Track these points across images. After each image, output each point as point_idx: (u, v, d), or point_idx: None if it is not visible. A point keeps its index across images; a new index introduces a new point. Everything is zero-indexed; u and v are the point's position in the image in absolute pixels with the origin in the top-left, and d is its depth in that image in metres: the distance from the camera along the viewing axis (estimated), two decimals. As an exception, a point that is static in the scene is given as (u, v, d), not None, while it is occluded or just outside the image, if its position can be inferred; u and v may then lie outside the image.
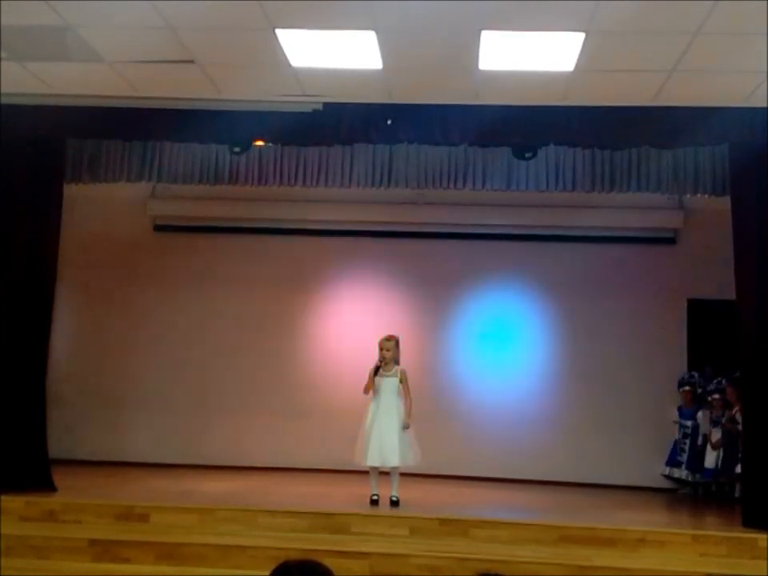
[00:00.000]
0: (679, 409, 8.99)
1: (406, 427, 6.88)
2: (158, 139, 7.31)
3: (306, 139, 7.14)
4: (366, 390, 7.00)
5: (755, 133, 6.47)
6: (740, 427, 7.75)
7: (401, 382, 6.99)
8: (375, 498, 6.85)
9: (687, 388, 8.94)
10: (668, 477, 8.96)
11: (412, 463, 6.97)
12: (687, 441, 8.77)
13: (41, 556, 5.71)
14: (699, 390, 8.87)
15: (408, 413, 6.92)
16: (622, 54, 5.70)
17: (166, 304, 9.89)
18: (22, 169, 7.06)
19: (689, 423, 8.80)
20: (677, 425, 8.93)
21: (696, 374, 9.02)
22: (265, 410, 9.60)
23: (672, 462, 8.89)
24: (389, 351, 6.98)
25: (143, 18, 5.33)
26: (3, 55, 6.02)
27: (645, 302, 9.50)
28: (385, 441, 6.86)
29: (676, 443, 8.91)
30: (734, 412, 8.18)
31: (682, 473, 8.76)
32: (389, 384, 6.98)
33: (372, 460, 6.89)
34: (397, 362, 7.05)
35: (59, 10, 5.29)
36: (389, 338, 7.05)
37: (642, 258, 9.63)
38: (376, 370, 6.95)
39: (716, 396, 8.54)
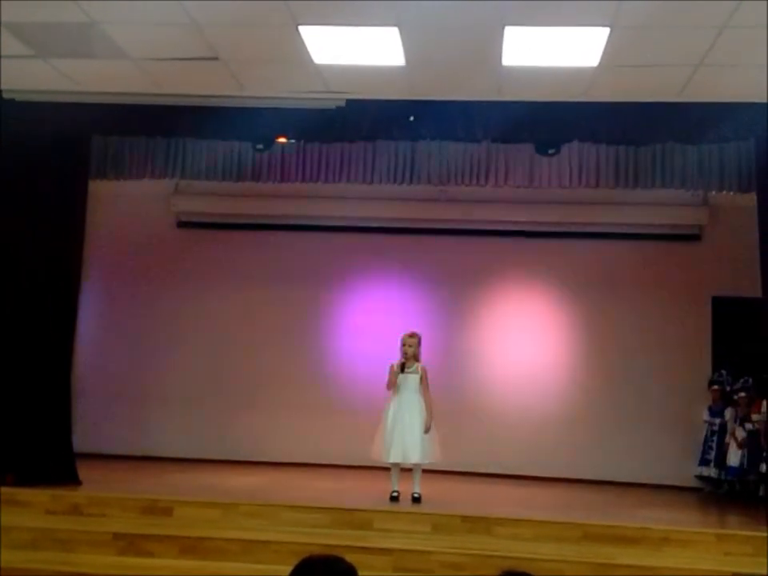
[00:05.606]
0: (709, 408, 8.93)
1: (426, 429, 6.84)
2: (182, 136, 7.34)
3: (329, 136, 7.14)
4: (390, 386, 6.98)
5: (781, 128, 6.40)
6: (757, 426, 7.73)
7: (421, 379, 6.98)
8: (395, 494, 6.84)
9: (716, 387, 8.89)
10: (700, 477, 8.88)
11: (433, 460, 6.95)
12: (715, 438, 8.72)
13: (66, 549, 5.75)
14: (728, 389, 8.81)
15: (429, 412, 6.88)
16: (647, 49, 5.66)
17: (189, 300, 9.94)
18: (47, 166, 7.12)
19: (716, 421, 8.77)
20: (706, 424, 8.88)
21: (725, 373, 8.94)
22: (288, 405, 9.61)
23: (703, 461, 8.82)
24: (411, 347, 6.98)
25: (168, 14, 5.36)
26: (29, 52, 6.08)
27: (669, 300, 9.43)
28: (406, 438, 6.85)
29: (705, 442, 8.85)
30: (751, 412, 8.16)
31: (711, 470, 8.71)
32: (410, 381, 6.97)
33: (394, 457, 6.88)
34: (417, 359, 7.05)
35: (84, 7, 5.33)
36: (411, 335, 7.04)
37: (666, 255, 9.56)
38: (402, 366, 6.94)
39: (742, 394, 8.49)
